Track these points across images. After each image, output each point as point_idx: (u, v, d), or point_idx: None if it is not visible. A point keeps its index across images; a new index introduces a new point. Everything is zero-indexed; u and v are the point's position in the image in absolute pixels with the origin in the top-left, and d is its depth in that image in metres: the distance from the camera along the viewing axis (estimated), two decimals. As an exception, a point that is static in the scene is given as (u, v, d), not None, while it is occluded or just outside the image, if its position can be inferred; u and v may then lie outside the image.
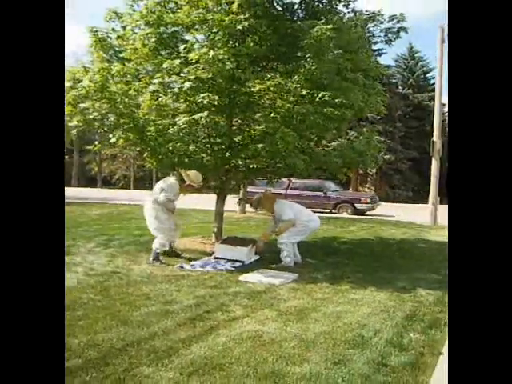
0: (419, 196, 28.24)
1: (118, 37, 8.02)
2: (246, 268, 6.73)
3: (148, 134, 6.97)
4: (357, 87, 7.34)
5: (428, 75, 38.20)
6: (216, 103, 6.30)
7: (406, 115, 33.88)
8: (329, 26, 6.52)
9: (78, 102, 7.01)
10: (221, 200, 8.49)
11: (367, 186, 33.13)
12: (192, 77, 6.28)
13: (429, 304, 5.21)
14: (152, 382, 3.02)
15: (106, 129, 7.16)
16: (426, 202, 21.51)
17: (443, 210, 15.63)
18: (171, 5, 8.01)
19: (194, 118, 6.27)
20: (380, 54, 27.53)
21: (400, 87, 36.51)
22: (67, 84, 7.39)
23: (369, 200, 18.75)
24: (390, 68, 33.95)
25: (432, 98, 34.72)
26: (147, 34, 6.95)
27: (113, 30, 7.75)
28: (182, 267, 6.58)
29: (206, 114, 6.17)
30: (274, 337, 3.95)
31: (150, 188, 43.90)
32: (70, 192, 28.71)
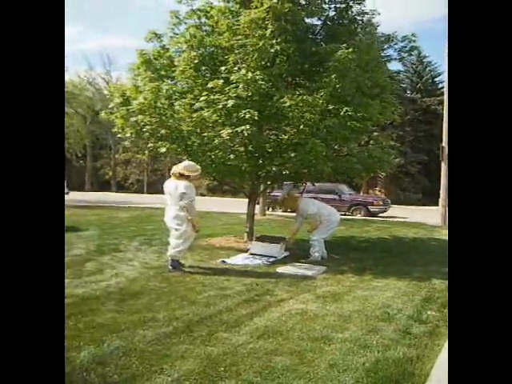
0: (429, 198, 28.93)
1: (159, 56, 8.98)
2: (279, 262, 7.62)
3: (190, 144, 7.93)
4: (375, 102, 8.25)
5: (436, 79, 38.91)
6: (256, 118, 7.17)
7: (415, 119, 34.60)
8: (350, 50, 7.44)
9: (129, 117, 7.96)
10: (252, 203, 9.40)
11: (377, 188, 33.88)
12: (234, 95, 7.20)
13: (442, 290, 6.08)
14: (231, 342, 3.93)
15: (153, 140, 8.10)
16: (436, 204, 22.30)
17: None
18: (206, 27, 8.99)
19: (236, 131, 7.18)
20: (389, 60, 28.41)
21: (408, 92, 37.27)
22: (117, 100, 8.38)
23: (381, 202, 19.62)
24: (400, 73, 34.77)
25: (440, 102, 35.45)
26: (192, 56, 7.87)
27: (158, 52, 8.68)
28: (224, 261, 7.49)
29: (248, 127, 7.08)
30: (316, 313, 4.85)
31: (163, 192, 45.03)
32: (92, 196, 29.76)
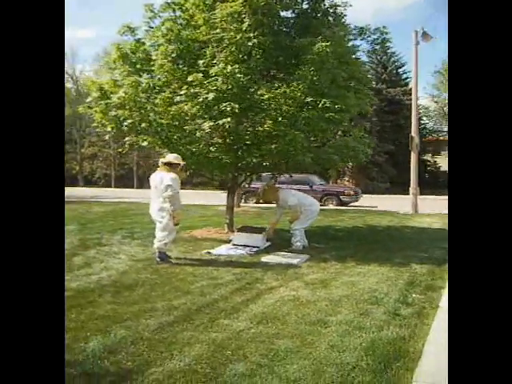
0: (396, 187, 29.58)
1: (136, 50, 8.96)
2: (262, 252, 7.78)
3: (169, 136, 8.00)
4: (351, 94, 8.46)
5: (400, 70, 39.64)
6: (237, 110, 7.28)
7: (381, 110, 35.17)
8: (328, 43, 7.61)
9: (108, 111, 7.97)
10: (231, 195, 9.53)
11: (346, 179, 34.38)
12: (213, 88, 7.30)
13: (423, 274, 6.38)
14: (232, 328, 4.08)
15: (133, 133, 8.13)
16: (403, 193, 22.81)
17: (422, 200, 16.97)
18: (181, 20, 9.02)
19: (217, 123, 7.29)
20: (354, 52, 28.79)
21: (373, 82, 37.85)
22: (95, 94, 8.37)
23: (352, 192, 19.99)
24: (365, 64, 35.30)
25: (405, 93, 36.22)
26: (169, 50, 7.91)
27: (135, 46, 8.66)
28: (209, 252, 7.61)
29: (229, 119, 7.20)
30: (308, 299, 5.04)
31: (132, 186, 44.54)
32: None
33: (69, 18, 75.96)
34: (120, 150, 9.02)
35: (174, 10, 9.04)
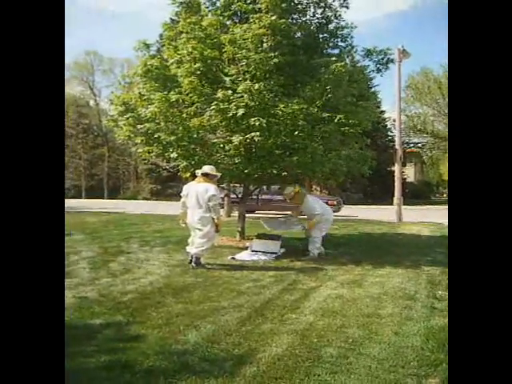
0: (369, 198, 30.62)
1: (161, 67, 9.31)
2: (279, 258, 8.30)
3: (197, 149, 8.47)
4: (359, 109, 9.13)
5: (369, 83, 40.88)
6: (264, 125, 7.80)
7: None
8: (343, 63, 8.27)
9: (136, 124, 8.40)
10: (243, 204, 10.04)
11: (318, 189, 35.09)
12: (242, 104, 7.82)
13: (437, 275, 7.04)
14: (303, 320, 4.61)
15: (161, 146, 8.55)
16: (376, 204, 23.62)
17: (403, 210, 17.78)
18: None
19: (247, 137, 7.82)
20: (363, 71, 29.55)
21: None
22: (120, 109, 8.77)
23: (336, 202, 20.66)
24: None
25: (375, 106, 37.45)
26: (193, 68, 8.39)
27: (160, 62, 9.05)
28: (233, 258, 8.10)
29: (258, 133, 7.72)
30: (352, 296, 5.61)
31: (102, 197, 44.24)
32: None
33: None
34: (147, 159, 9.38)
35: (192, 30, 9.42)
